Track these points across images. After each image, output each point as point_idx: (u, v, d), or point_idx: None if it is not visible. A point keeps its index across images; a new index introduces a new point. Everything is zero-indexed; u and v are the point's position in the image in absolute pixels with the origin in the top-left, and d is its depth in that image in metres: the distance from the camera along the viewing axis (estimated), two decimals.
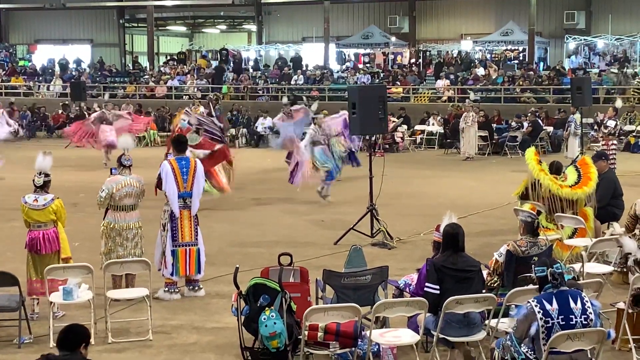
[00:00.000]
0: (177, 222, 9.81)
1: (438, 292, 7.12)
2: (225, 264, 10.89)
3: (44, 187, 9.04)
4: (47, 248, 8.92)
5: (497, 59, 36.27)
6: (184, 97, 35.37)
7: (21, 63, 44.66)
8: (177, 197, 9.76)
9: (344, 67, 38.67)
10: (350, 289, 7.83)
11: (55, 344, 5.45)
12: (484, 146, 25.66)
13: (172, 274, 9.79)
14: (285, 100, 20.99)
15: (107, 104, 23.05)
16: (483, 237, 12.64)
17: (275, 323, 7.03)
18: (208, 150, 15.49)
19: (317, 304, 7.91)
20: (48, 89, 39.20)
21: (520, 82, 31.80)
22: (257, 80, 36.91)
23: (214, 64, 40.06)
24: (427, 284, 7.25)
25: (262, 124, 28.87)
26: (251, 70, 38.98)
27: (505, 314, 7.33)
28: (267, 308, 7.11)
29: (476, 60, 36.13)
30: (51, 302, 8.34)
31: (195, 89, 35.94)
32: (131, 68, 42.65)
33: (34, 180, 9.05)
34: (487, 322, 7.31)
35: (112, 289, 9.06)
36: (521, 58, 36.64)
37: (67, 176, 16.42)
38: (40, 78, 40.59)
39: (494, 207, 15.62)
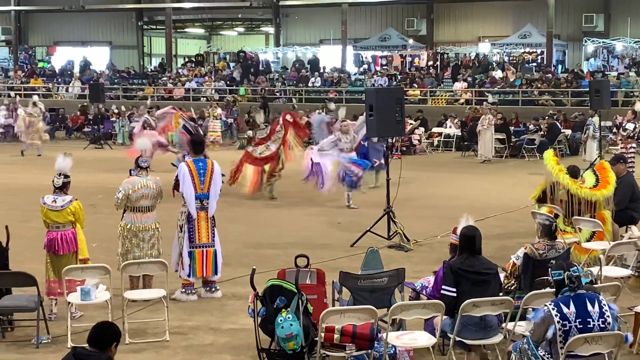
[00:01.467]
0: (194, 223, 9.83)
1: (455, 294, 7.10)
2: (241, 265, 10.91)
3: (63, 188, 9.10)
4: (65, 249, 8.98)
5: (515, 61, 36.13)
6: (202, 99, 35.47)
7: (40, 65, 44.94)
8: (194, 199, 9.78)
9: (361, 69, 38.67)
10: (367, 291, 7.82)
11: (86, 341, 5.43)
12: (501, 149, 25.57)
13: (189, 275, 9.82)
14: (332, 106, 20.50)
15: (151, 109, 23.09)
16: (500, 240, 12.60)
17: (291, 325, 7.03)
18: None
19: (333, 305, 7.90)
20: (67, 90, 39.41)
21: (539, 85, 31.68)
22: (274, 82, 36.96)
23: (231, 65, 40.18)
24: (443, 287, 7.23)
25: None
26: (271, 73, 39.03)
27: (523, 317, 7.30)
28: (283, 309, 7.11)
29: (494, 63, 36.03)
30: (69, 303, 8.38)
31: (213, 91, 36.02)
32: (156, 69, 42.81)
33: (53, 181, 9.11)
34: (504, 325, 7.29)
35: (129, 289, 9.10)
36: (539, 61, 36.50)
37: (86, 177, 16.49)
38: (59, 80, 40.81)
39: (511, 209, 15.57)
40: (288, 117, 17.37)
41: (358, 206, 16.05)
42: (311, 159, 16.01)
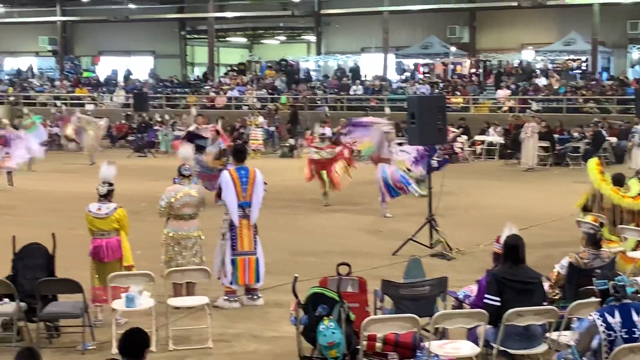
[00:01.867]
0: (237, 231, 9.89)
1: (498, 303, 7.06)
2: (283, 273, 10.92)
3: (107, 196, 9.20)
4: (110, 256, 9.07)
5: (559, 68, 35.80)
6: (244, 107, 35.65)
7: (85, 74, 45.51)
8: (237, 207, 9.84)
9: (402, 77, 38.59)
10: (409, 300, 7.80)
11: (117, 351, 5.44)
12: (545, 157, 25.36)
13: (231, 283, 9.87)
14: (387, 110, 20.51)
15: (197, 117, 23.29)
16: (544, 249, 12.47)
17: (333, 333, 7.04)
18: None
19: (375, 314, 7.89)
20: (111, 99, 39.85)
21: (583, 92, 31.36)
22: (315, 90, 37.03)
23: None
24: (487, 296, 7.19)
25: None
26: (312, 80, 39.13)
27: (567, 327, 7.24)
28: (325, 318, 7.12)
29: (537, 70, 35.73)
30: (114, 309, 8.47)
31: (255, 99, 36.19)
32: (199, 78, 43.13)
33: (97, 189, 9.21)
34: (548, 335, 7.23)
35: (173, 296, 9.17)
36: (584, 68, 36.11)
37: (130, 185, 16.66)
38: (104, 89, 41.29)
39: (555, 218, 15.43)
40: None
41: (395, 215, 16.02)
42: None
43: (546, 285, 7.78)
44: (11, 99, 41.07)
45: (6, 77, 45.94)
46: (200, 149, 16.88)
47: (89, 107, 30.53)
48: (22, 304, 8.33)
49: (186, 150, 10.65)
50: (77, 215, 12.94)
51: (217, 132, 17.87)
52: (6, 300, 8.40)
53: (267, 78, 39.09)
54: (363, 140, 16.61)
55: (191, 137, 17.78)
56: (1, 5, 46.78)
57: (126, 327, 8.42)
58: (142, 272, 8.67)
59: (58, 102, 38.82)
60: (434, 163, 16.16)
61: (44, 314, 8.38)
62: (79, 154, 26.65)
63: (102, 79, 43.59)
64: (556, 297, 7.89)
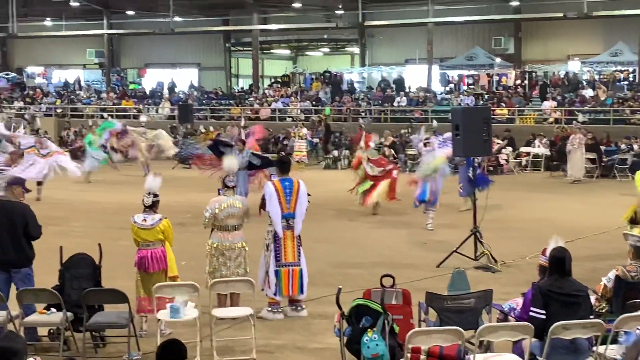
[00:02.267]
0: (281, 242, 9.92)
1: (544, 317, 6.99)
2: (327, 284, 10.93)
3: (152, 207, 9.28)
4: (154, 267, 9.14)
5: (606, 80, 35.40)
6: (287, 119, 35.77)
7: (131, 86, 46.06)
8: (280, 218, 9.86)
9: (447, 88, 38.45)
10: (454, 312, 7.75)
11: None
12: (592, 169, 25.09)
13: (275, 294, 9.89)
14: (435, 124, 20.45)
15: (244, 128, 23.45)
16: (591, 262, 12.34)
17: (377, 345, 7.01)
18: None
19: (419, 326, 7.85)
20: (157, 111, 40.26)
21: (630, 104, 30.97)
22: (359, 102, 37.05)
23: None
24: (532, 309, 7.12)
25: None
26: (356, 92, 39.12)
27: (614, 341, 7.13)
28: (369, 329, 7.10)
29: (584, 82, 35.38)
30: (159, 320, 8.52)
31: (299, 111, 36.31)
32: (243, 89, 43.42)
33: (143, 200, 9.30)
34: (594, 348, 7.13)
35: (217, 307, 9.21)
36: (631, 79, 35.69)
37: (175, 197, 16.79)
38: (150, 101, 41.72)
39: (602, 231, 15.25)
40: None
41: (440, 227, 15.94)
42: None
43: (593, 298, 7.68)
44: (59, 111, 41.72)
45: (54, 89, 46.66)
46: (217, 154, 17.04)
47: (143, 118, 30.87)
48: (69, 314, 8.41)
49: (231, 162, 10.69)
50: (122, 226, 13.07)
51: (243, 142, 18.00)
52: (53, 310, 8.49)
53: (312, 90, 39.13)
54: (439, 155, 16.36)
55: (216, 144, 17.91)
56: (49, 19, 47.59)
57: (171, 337, 8.50)
58: (186, 283, 8.72)
59: (104, 114, 39.30)
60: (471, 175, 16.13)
61: (91, 323, 8.46)
62: (127, 165, 26.91)
63: (147, 91, 44.03)
64: (603, 311, 7.79)
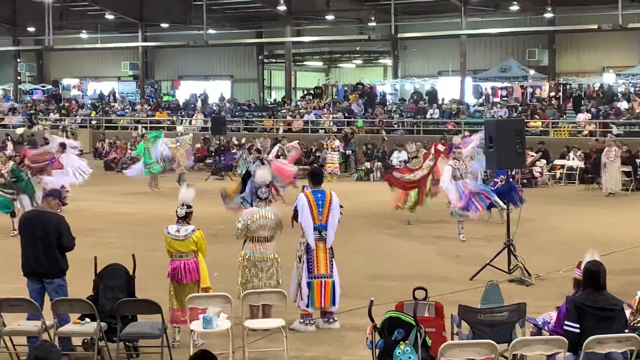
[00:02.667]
0: (313, 254, 9.92)
1: (578, 330, 6.93)
2: (359, 296, 10.91)
3: (186, 218, 9.32)
4: (187, 278, 9.17)
5: None
6: (320, 130, 35.83)
7: (165, 98, 46.39)
8: (313, 229, 9.87)
9: (480, 100, 38.30)
10: (487, 326, 7.70)
11: None
12: (627, 182, 24.83)
13: (307, 306, 9.88)
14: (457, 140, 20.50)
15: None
16: (626, 276, 12.21)
17: (410, 357, 6.98)
18: None
19: (452, 339, 7.82)
20: (190, 123, 40.52)
21: None
22: (392, 114, 37.00)
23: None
24: (566, 323, 7.06)
25: (397, 158, 28.87)
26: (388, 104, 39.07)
27: None
28: (401, 342, 7.08)
29: (619, 94, 35.06)
30: (191, 331, 8.55)
31: (331, 123, 36.35)
32: (276, 102, 43.55)
33: (176, 212, 9.35)
34: None
35: (249, 318, 9.22)
36: None
37: (208, 208, 16.84)
38: (183, 112, 42.00)
39: (637, 244, 15.10)
40: (440, 146, 17.63)
41: (473, 239, 15.86)
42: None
43: (628, 312, 7.60)
44: (93, 122, 42.13)
45: (89, 101, 47.15)
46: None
47: (180, 128, 31.07)
48: (103, 324, 8.48)
49: (263, 173, 10.72)
50: (156, 237, 13.16)
51: (259, 151, 18.04)
52: (87, 320, 8.56)
53: (349, 101, 39.06)
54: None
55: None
56: (85, 31, 48.15)
57: (203, 348, 8.53)
58: (219, 294, 8.74)
59: (139, 126, 39.63)
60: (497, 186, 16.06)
61: (124, 334, 8.52)
62: (161, 176, 27.02)
63: (181, 102, 44.32)
64: (638, 325, 7.70)
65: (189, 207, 9.38)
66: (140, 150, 25.82)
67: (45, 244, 8.73)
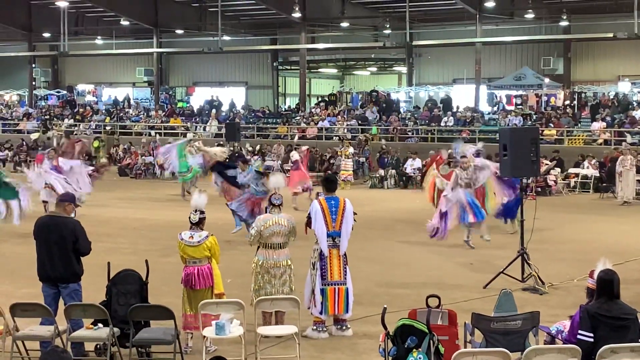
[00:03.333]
0: (327, 261, 9.90)
1: (592, 340, 6.89)
2: (372, 304, 10.90)
3: (199, 224, 9.34)
4: (201, 284, 9.17)
5: None
6: (334, 137, 35.84)
7: (180, 104, 46.51)
8: (326, 236, 9.86)
9: (495, 108, 38.22)
10: (500, 334, 7.68)
11: None
12: None
13: (320, 313, 9.87)
14: (480, 144, 20.61)
15: (298, 147, 23.50)
16: None
17: None
18: None
19: (465, 347, 7.79)
20: (204, 129, 40.61)
21: None
22: (406, 121, 36.98)
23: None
24: (580, 332, 7.02)
25: (411, 165, 28.86)
26: (402, 111, 39.03)
27: None
28: (414, 350, 7.06)
29: (634, 102, 34.93)
30: (204, 337, 8.55)
31: (345, 130, 36.36)
32: (290, 108, 43.60)
33: (189, 218, 9.36)
34: None
35: (262, 325, 9.21)
36: None
37: (222, 214, 16.86)
38: (197, 119, 42.09)
39: None
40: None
41: (487, 248, 15.82)
42: (441, 210, 15.88)
43: None
44: (108, 128, 42.29)
45: (104, 107, 47.33)
46: (230, 180, 17.16)
47: (189, 135, 31.16)
48: (116, 330, 8.49)
49: (278, 179, 10.73)
50: (169, 243, 13.18)
51: (245, 161, 18.11)
52: (100, 325, 8.57)
53: (366, 108, 39.02)
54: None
55: (220, 166, 18.11)
56: (100, 37, 48.37)
57: (216, 354, 8.53)
58: (232, 300, 8.75)
59: (152, 132, 39.76)
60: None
61: (137, 339, 8.52)
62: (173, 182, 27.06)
63: (195, 109, 44.42)
64: None
65: (202, 212, 9.39)
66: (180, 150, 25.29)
67: (61, 248, 8.75)
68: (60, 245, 8.74)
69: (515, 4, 38.70)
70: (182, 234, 9.29)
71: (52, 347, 6.67)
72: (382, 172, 29.77)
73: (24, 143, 38.63)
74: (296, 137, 26.46)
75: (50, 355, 5.46)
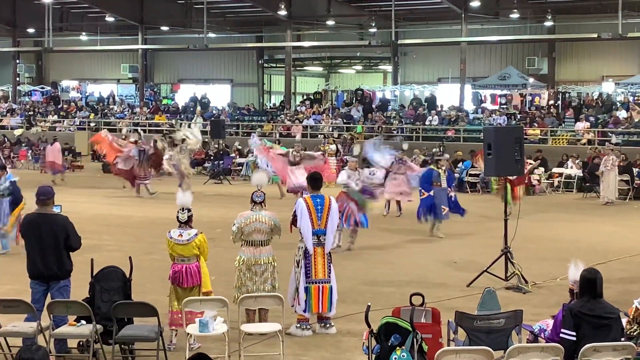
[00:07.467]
0: (311, 259, 9.90)
1: (574, 338, 6.93)
2: (356, 302, 10.92)
3: (188, 222, 9.31)
4: (189, 282, 9.15)
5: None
6: (319, 135, 35.84)
7: (164, 101, 46.39)
8: (311, 234, 9.86)
9: (479, 108, 38.30)
10: (483, 332, 7.71)
11: None
12: (625, 191, 24.85)
13: (304, 311, 9.87)
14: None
15: (297, 145, 23.37)
16: (623, 284, 12.23)
17: None
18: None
19: (448, 345, 7.81)
20: (189, 126, 40.46)
21: None
22: (391, 120, 37.02)
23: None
24: (563, 330, 7.06)
25: None
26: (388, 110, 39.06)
27: None
28: (398, 348, 7.07)
29: (618, 103, 35.08)
30: (188, 334, 8.54)
31: (330, 128, 36.36)
32: (275, 106, 43.56)
33: (177, 217, 9.31)
34: None
35: (246, 322, 9.21)
36: None
37: (206, 212, 16.85)
38: (182, 116, 41.99)
39: (634, 253, 15.11)
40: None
41: (470, 246, 15.87)
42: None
43: (624, 320, 7.60)
44: (92, 125, 42.11)
45: (88, 103, 47.11)
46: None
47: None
48: (99, 326, 8.45)
49: (260, 176, 10.70)
50: (153, 240, 13.16)
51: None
52: (83, 322, 8.53)
53: (336, 108, 39.05)
54: None
55: None
56: (85, 33, 48.19)
57: (199, 351, 8.52)
58: (215, 298, 8.74)
59: (138, 129, 39.59)
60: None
61: (120, 336, 8.49)
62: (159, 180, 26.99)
63: (180, 106, 44.31)
64: (634, 333, 7.69)
65: (189, 210, 9.36)
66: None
67: (54, 245, 8.70)
68: (52, 242, 8.69)
69: (501, 3, 38.79)
70: (171, 232, 9.25)
71: (27, 344, 6.67)
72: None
73: (6, 139, 38.39)
74: (297, 137, 26.36)
75: (24, 352, 5.49)
